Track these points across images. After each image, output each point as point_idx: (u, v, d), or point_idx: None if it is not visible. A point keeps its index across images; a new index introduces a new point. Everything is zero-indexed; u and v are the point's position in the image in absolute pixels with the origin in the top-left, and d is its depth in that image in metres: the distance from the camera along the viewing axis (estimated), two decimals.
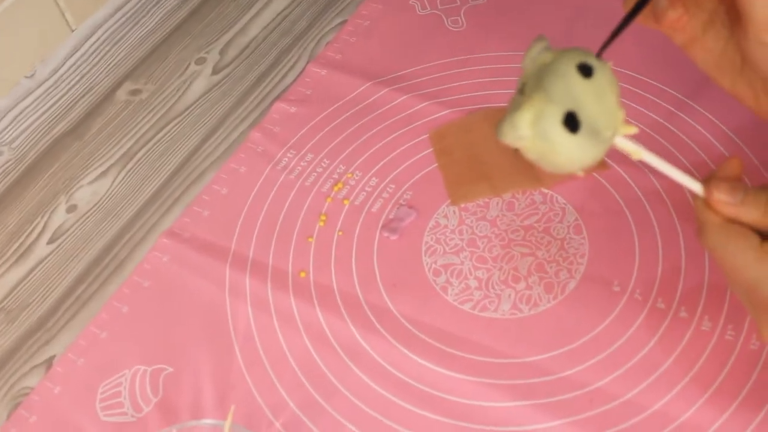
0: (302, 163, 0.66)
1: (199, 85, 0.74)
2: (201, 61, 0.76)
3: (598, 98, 0.39)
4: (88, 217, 0.67)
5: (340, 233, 0.61)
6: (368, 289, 0.58)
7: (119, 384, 0.56)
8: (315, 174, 0.65)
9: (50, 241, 0.65)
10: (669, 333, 0.53)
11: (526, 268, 0.57)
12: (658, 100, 0.64)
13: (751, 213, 0.42)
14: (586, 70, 0.39)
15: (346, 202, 0.63)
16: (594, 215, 0.59)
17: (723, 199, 0.42)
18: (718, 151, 0.60)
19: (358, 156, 0.65)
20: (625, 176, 0.60)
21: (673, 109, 0.63)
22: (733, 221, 0.42)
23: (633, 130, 0.41)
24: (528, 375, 0.52)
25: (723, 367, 0.51)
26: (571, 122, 0.39)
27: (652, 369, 0.51)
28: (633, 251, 0.57)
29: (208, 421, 0.49)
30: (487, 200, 0.61)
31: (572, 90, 0.39)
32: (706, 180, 0.43)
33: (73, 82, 0.76)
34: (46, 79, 0.76)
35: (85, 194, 0.68)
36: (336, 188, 0.64)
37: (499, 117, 0.68)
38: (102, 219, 0.66)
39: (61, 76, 0.76)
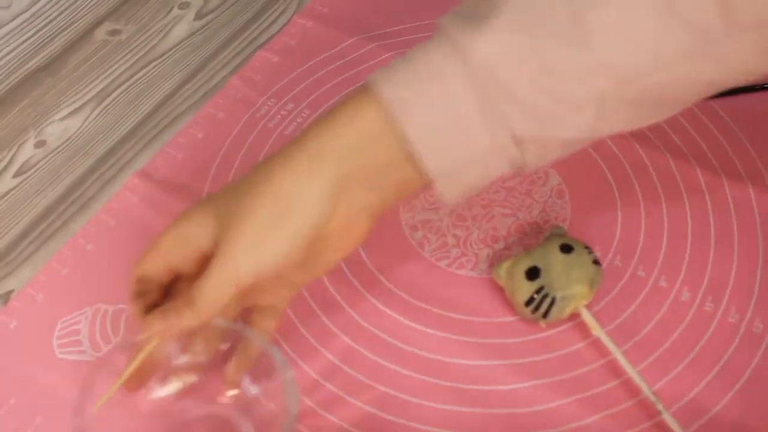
0: (282, 112, 0.64)
1: (181, 30, 0.72)
2: (184, 6, 0.74)
3: (565, 268, 0.49)
4: (57, 153, 0.64)
5: None
6: None
7: (78, 321, 0.54)
8: (295, 123, 0.63)
9: (16, 175, 0.63)
10: (648, 300, 0.52)
11: (505, 229, 0.56)
12: None
13: None
14: (566, 249, 0.50)
15: None
16: (578, 181, 0.58)
17: None
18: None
19: None
20: (613, 148, 0.59)
21: None
22: None
23: (583, 309, 0.49)
24: (501, 335, 0.51)
25: (699, 339, 0.50)
26: (532, 273, 0.50)
27: (629, 336, 0.50)
28: (615, 219, 0.56)
29: None
30: None
31: (547, 256, 0.50)
32: None
33: (50, 17, 0.73)
34: (23, 12, 0.74)
35: (56, 130, 0.66)
36: None
37: None
38: (71, 156, 0.64)
39: (39, 9, 0.74)
